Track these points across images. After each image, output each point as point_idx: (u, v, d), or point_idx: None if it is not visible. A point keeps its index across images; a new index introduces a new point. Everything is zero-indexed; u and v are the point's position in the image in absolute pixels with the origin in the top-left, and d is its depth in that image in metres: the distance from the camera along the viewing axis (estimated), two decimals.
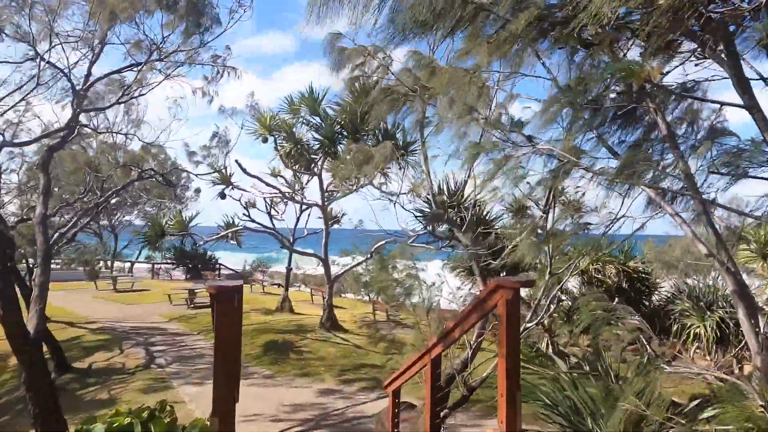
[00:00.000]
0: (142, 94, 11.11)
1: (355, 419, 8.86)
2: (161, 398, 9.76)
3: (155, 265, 32.96)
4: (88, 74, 9.79)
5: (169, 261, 33.00)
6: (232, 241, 13.93)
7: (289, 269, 19.90)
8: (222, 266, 33.22)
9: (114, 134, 11.70)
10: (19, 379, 12.07)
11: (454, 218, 7.88)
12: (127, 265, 34.48)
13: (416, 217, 11.79)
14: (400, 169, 13.60)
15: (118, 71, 10.41)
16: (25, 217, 13.65)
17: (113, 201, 36.17)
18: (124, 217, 35.39)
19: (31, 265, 15.54)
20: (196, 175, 13.58)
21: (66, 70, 9.25)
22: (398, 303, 8.06)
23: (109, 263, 35.13)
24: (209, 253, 33.37)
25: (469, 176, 7.57)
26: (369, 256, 15.41)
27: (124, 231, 37.13)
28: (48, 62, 9.06)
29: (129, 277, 30.75)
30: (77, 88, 9.27)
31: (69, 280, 28.17)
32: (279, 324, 16.33)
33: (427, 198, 11.04)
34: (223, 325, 3.08)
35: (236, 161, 13.04)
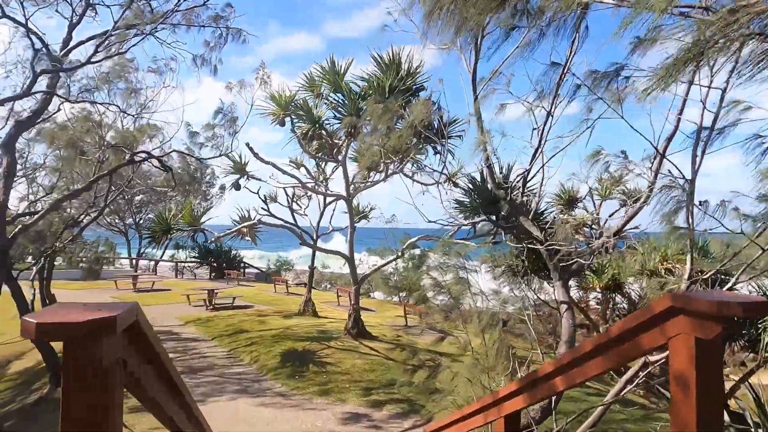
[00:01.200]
0: (122, 52, 9.56)
1: None
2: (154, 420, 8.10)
3: (179, 264, 32.05)
4: (68, 38, 8.38)
5: (192, 260, 32.05)
6: (246, 238, 12.37)
7: (312, 269, 18.29)
8: (247, 265, 32.06)
9: (94, 105, 10.26)
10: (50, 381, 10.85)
11: (519, 203, 5.99)
12: (152, 263, 33.70)
13: (457, 206, 9.94)
14: (435, 153, 11.78)
15: (105, 35, 8.90)
16: (27, 210, 12.43)
17: (138, 198, 35.65)
18: (148, 215, 34.66)
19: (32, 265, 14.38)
20: (199, 159, 12.09)
21: (24, 22, 7.79)
22: (444, 310, 6.24)
23: (130, 261, 34.48)
24: (234, 251, 32.29)
25: (538, 153, 5.66)
26: (400, 254, 13.63)
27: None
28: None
29: (152, 275, 29.90)
30: (51, 50, 7.87)
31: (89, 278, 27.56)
32: (300, 330, 14.72)
33: (472, 180, 9.16)
34: (78, 405, 1.36)
35: (247, 145, 11.46)
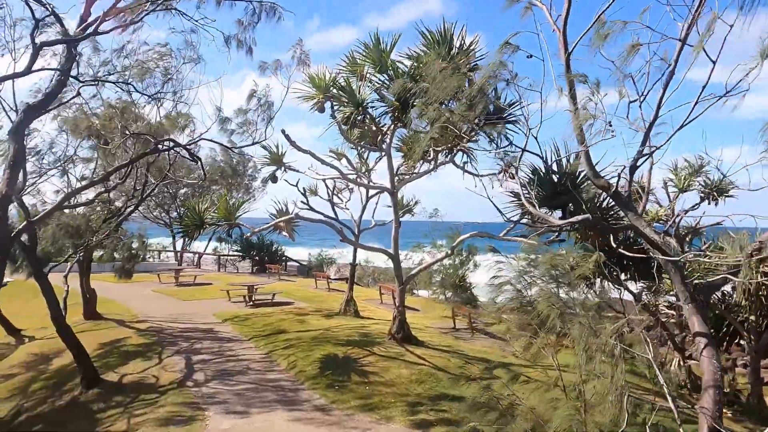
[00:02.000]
0: (134, 21, 8.68)
1: None
2: None
3: (221, 258, 31.94)
4: (86, 13, 7.62)
5: (235, 253, 31.86)
6: (283, 233, 11.45)
7: (354, 266, 17.26)
8: (288, 259, 31.58)
9: (113, 85, 9.46)
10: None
11: (626, 196, 4.64)
12: (195, 257, 33.81)
13: (518, 198, 8.60)
14: (491, 142, 10.42)
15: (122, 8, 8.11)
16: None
17: (182, 192, 35.84)
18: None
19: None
20: (229, 148, 11.24)
21: None
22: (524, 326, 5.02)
23: (174, 255, 34.71)
24: (275, 245, 31.87)
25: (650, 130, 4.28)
26: (450, 252, 12.37)
27: None
28: None
29: (195, 269, 29.88)
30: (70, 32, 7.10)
31: (137, 271, 27.72)
32: (341, 332, 13.74)
33: (555, 161, 7.81)
34: None
35: (283, 132, 10.47)
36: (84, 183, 11.55)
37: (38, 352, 14.16)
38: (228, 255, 32.47)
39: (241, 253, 31.07)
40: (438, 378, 10.21)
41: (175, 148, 10.45)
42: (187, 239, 11.79)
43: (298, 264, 31.81)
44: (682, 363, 12.70)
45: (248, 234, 11.16)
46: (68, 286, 14.54)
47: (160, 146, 9.37)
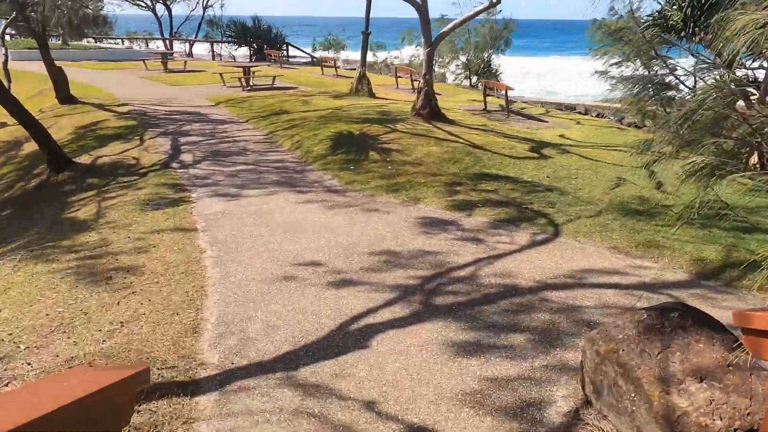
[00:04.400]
0: None
1: (505, 290, 4.38)
2: (164, 218, 6.01)
3: (214, 45, 28.29)
4: None
5: (228, 39, 28.09)
6: None
7: (366, 34, 14.11)
8: (289, 45, 27.91)
9: None
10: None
11: None
12: (187, 46, 30.09)
13: None
14: None
15: None
16: None
17: None
18: None
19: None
20: None
21: None
22: None
23: (163, 42, 30.98)
24: (274, 30, 27.85)
25: None
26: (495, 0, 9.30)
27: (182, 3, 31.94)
28: None
29: (188, 59, 26.61)
30: None
31: (122, 60, 24.73)
32: (354, 111, 11.56)
33: None
34: None
35: None
36: None
37: (11, 138, 12.42)
38: (221, 41, 28.73)
39: (234, 39, 27.35)
40: (477, 156, 8.30)
41: None
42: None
43: (303, 54, 28.23)
44: None
45: None
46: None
47: None
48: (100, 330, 3.74)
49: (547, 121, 12.27)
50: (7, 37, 28.46)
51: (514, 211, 6.20)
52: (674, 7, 8.68)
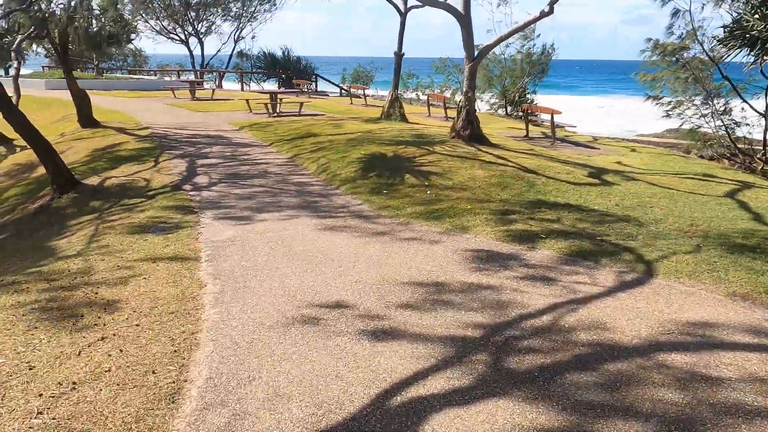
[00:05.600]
0: None
1: (602, 349, 3.17)
2: (164, 244, 5.18)
3: (243, 75, 28.29)
4: None
5: (258, 68, 28.08)
6: None
7: (400, 56, 13.29)
8: (318, 77, 27.67)
9: None
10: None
11: None
12: (216, 75, 30.24)
13: None
14: None
15: None
16: None
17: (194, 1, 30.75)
18: (208, 17, 30.21)
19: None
20: None
21: None
22: None
23: (194, 74, 31.26)
24: (303, 61, 27.78)
25: None
26: (548, 10, 8.36)
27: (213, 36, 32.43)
28: None
29: (217, 89, 26.57)
30: None
31: (152, 89, 24.80)
32: (386, 134, 10.64)
33: None
34: None
35: None
36: None
37: (25, 161, 11.90)
38: (251, 72, 28.76)
39: (264, 69, 27.30)
40: (530, 181, 7.17)
41: None
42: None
43: (331, 83, 27.93)
44: None
45: None
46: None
47: None
48: (40, 395, 2.67)
49: (599, 148, 11.09)
50: (42, 68, 29.05)
51: (588, 244, 5.00)
52: (756, 16, 7.50)
